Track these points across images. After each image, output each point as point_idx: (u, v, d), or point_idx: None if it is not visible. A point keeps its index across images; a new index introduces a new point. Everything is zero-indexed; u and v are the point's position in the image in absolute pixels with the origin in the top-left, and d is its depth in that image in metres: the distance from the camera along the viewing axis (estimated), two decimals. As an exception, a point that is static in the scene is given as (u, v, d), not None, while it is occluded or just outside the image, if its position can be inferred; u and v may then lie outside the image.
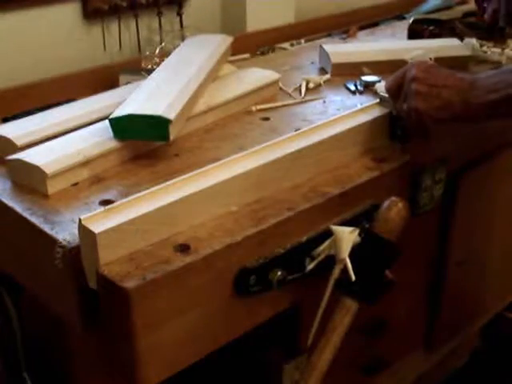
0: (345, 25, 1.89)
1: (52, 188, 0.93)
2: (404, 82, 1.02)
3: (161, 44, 1.59)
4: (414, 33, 1.58)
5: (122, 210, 0.79)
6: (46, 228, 0.85)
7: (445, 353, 1.53)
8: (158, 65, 1.39)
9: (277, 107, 1.25)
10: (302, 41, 1.79)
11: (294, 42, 1.78)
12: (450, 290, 1.39)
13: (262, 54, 1.71)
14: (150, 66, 1.49)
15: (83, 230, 0.76)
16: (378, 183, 0.98)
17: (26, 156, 0.95)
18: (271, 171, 0.92)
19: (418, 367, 1.47)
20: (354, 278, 0.85)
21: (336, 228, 0.87)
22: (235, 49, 1.46)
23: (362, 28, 1.86)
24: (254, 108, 1.23)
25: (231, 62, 1.45)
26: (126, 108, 1.02)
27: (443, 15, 1.74)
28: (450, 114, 0.96)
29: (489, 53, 1.48)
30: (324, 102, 1.27)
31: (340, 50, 1.48)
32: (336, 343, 0.86)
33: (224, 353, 0.89)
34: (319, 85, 1.36)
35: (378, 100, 1.11)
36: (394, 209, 0.87)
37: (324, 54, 1.46)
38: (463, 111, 0.95)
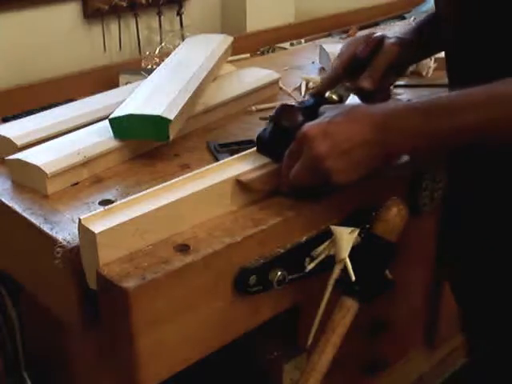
0: (345, 25, 1.90)
1: (52, 188, 0.93)
2: (307, 166, 0.81)
3: (161, 44, 1.59)
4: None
5: (122, 210, 0.79)
6: (46, 228, 0.85)
7: (445, 352, 1.53)
8: (157, 65, 1.39)
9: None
10: (302, 41, 1.79)
11: (294, 41, 1.78)
12: (450, 289, 1.39)
13: (262, 54, 1.71)
14: (149, 66, 1.49)
15: (83, 230, 0.76)
16: (378, 183, 0.98)
17: (26, 156, 0.95)
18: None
19: (418, 367, 1.47)
20: (354, 278, 0.85)
21: (336, 228, 0.87)
22: (235, 49, 1.46)
23: (361, 28, 1.86)
24: (253, 108, 1.23)
25: (231, 61, 1.45)
26: (126, 108, 1.02)
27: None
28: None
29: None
30: (324, 101, 1.27)
31: (340, 49, 1.48)
32: (336, 343, 0.86)
33: (224, 352, 0.89)
34: (319, 85, 1.35)
35: None
36: (393, 209, 0.87)
37: (324, 54, 1.46)
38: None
